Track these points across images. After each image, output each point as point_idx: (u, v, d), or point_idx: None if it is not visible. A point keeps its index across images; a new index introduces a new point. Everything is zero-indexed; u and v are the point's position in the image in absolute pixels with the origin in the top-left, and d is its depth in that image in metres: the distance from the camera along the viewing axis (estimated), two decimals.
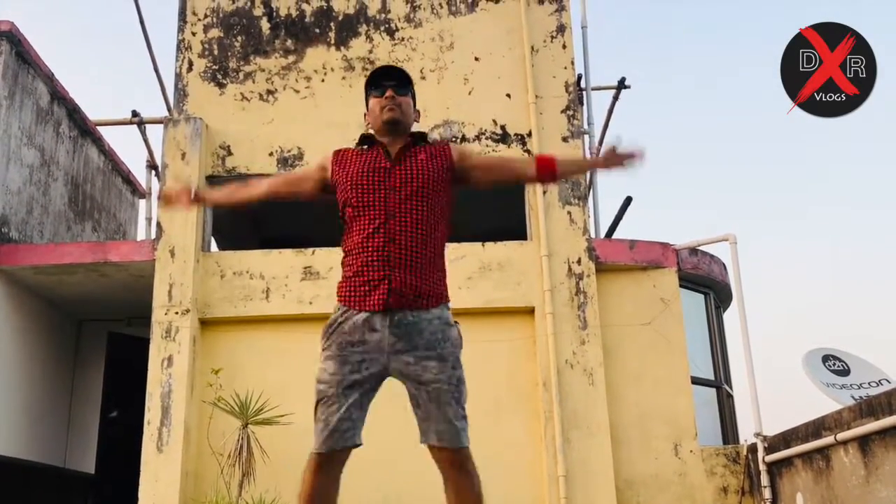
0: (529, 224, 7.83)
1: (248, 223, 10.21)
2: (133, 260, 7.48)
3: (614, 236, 8.78)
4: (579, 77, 8.92)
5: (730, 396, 8.38)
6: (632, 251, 7.78)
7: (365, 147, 2.92)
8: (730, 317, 8.85)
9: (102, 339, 9.42)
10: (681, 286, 7.87)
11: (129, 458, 7.30)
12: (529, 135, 8.00)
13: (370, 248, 2.71)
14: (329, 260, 7.54)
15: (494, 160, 3.09)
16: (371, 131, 3.00)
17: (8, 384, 7.66)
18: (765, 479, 6.85)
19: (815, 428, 5.98)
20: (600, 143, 9.58)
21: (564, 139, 8.02)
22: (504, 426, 7.24)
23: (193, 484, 6.95)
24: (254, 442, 6.73)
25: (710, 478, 7.25)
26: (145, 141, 9.39)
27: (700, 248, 8.07)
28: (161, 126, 9.31)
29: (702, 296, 8.36)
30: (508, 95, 8.18)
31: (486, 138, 8.01)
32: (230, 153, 7.92)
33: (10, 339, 7.68)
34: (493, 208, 8.36)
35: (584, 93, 9.17)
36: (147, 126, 9.20)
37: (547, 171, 3.00)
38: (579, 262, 7.59)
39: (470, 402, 7.42)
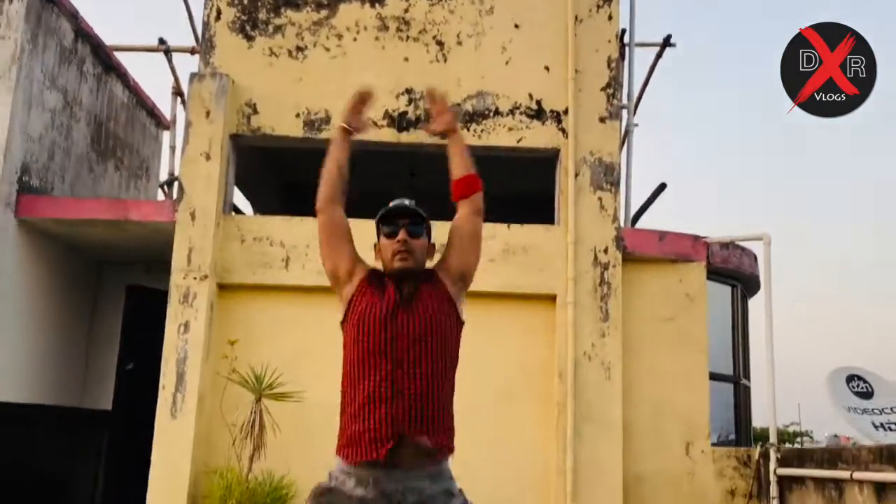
0: (558, 208, 7.61)
1: (270, 169, 10.05)
2: (153, 220, 7.38)
3: (643, 224, 8.55)
4: (623, 32, 8.50)
5: (747, 389, 8.30)
6: (661, 242, 7.57)
7: (378, 287, 2.69)
8: (754, 306, 8.69)
9: (122, 283, 9.42)
10: (708, 278, 7.68)
11: (146, 397, 7.32)
12: (566, 112, 7.69)
13: (376, 401, 2.51)
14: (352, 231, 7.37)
15: (453, 236, 2.79)
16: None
17: (28, 333, 7.70)
18: (774, 490, 6.82)
19: (832, 457, 5.90)
20: (638, 100, 9.22)
21: (602, 119, 7.70)
22: (516, 414, 7.21)
23: (206, 451, 7.02)
24: (266, 415, 6.76)
25: (718, 479, 7.24)
26: (172, 69, 9.18)
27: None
28: (187, 54, 9.19)
29: (729, 287, 8.18)
30: (547, 68, 7.82)
31: (521, 113, 7.70)
32: (256, 112, 7.68)
33: (31, 289, 7.67)
34: (523, 186, 8.15)
35: (626, 48, 8.77)
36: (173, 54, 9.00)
37: (464, 188, 2.80)
38: (606, 251, 7.40)
39: (484, 386, 7.37)
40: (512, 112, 7.70)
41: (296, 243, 7.39)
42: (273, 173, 10.19)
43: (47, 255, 7.93)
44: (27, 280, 7.61)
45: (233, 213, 7.82)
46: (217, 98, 7.50)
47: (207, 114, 7.49)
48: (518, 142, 7.67)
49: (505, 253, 7.40)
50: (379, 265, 2.77)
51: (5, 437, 7.85)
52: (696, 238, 7.66)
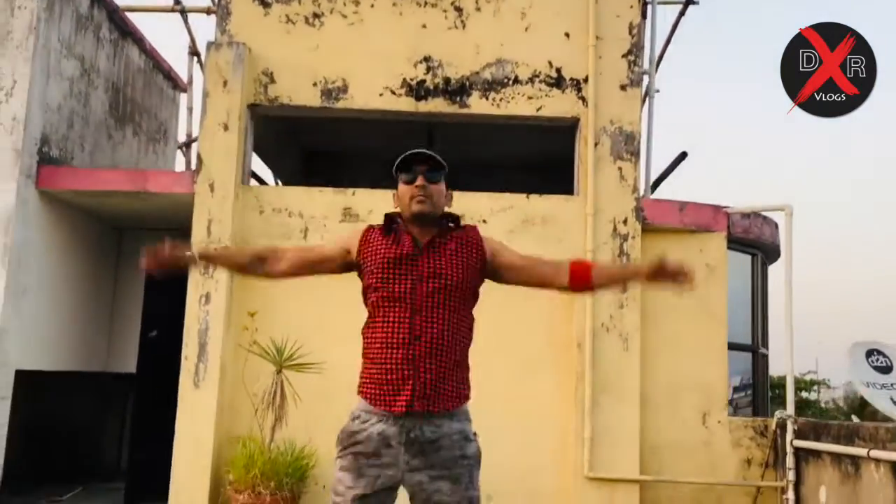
0: (577, 178, 7.55)
1: (289, 135, 10.02)
2: (172, 191, 7.40)
3: (661, 194, 8.47)
4: None
5: (765, 357, 8.31)
6: (681, 213, 7.51)
7: (391, 231, 2.77)
8: (774, 272, 8.64)
9: (142, 247, 9.50)
10: (728, 247, 7.64)
11: (168, 361, 7.45)
12: (586, 80, 7.57)
13: (395, 346, 2.63)
14: (369, 202, 7.39)
15: (526, 262, 2.84)
16: (398, 212, 2.86)
17: (56, 302, 7.82)
18: (790, 461, 6.87)
19: (849, 433, 5.92)
20: (658, 61, 9.06)
21: (623, 87, 7.59)
22: (536, 383, 7.26)
23: (229, 419, 7.15)
24: (287, 386, 6.86)
25: (735, 449, 7.29)
26: (188, 29, 9.12)
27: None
28: (203, 15, 9.11)
29: (749, 256, 8.13)
30: (567, 35, 7.68)
31: (540, 81, 7.60)
32: (273, 81, 7.62)
33: (55, 258, 7.76)
34: (542, 156, 8.07)
35: (648, 7, 8.59)
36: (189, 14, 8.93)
37: (581, 283, 2.84)
38: (625, 222, 7.35)
39: (505, 355, 7.42)
40: (531, 80, 7.60)
41: (314, 214, 7.40)
42: (291, 139, 10.16)
43: (68, 223, 8.00)
44: (51, 250, 7.69)
45: (251, 184, 7.81)
46: (234, 67, 7.45)
47: (224, 84, 7.45)
48: (537, 111, 7.58)
49: (524, 224, 7.38)
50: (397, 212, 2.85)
51: (41, 401, 8.12)
52: (716, 208, 7.59)
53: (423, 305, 2.63)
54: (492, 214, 7.37)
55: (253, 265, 2.90)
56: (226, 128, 7.38)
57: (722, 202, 7.67)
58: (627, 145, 7.49)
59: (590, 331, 7.17)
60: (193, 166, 7.98)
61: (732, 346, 7.67)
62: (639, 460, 7.06)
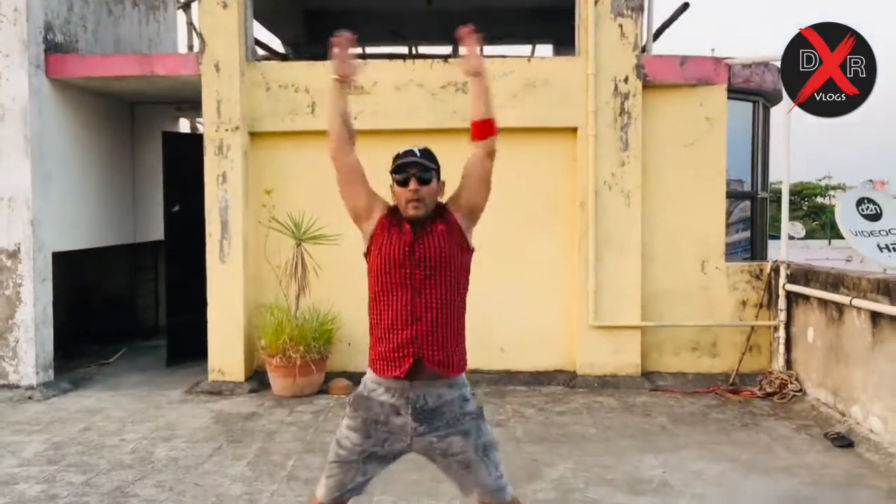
0: (578, 38, 7.56)
1: None
2: (179, 74, 7.52)
3: (661, 49, 8.43)
4: None
5: (764, 201, 8.59)
6: (682, 68, 7.57)
7: (392, 220, 3.01)
8: (776, 113, 8.75)
9: (154, 121, 9.73)
10: (729, 97, 7.75)
11: (192, 228, 7.93)
12: None
13: (398, 327, 2.93)
14: (373, 74, 7.49)
15: (466, 175, 3.03)
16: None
17: (81, 184, 8.13)
18: (782, 303, 7.33)
19: (835, 281, 6.30)
20: None
21: None
22: (542, 241, 7.64)
23: (256, 290, 7.64)
24: (307, 257, 7.29)
25: (731, 292, 7.73)
26: None
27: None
28: None
29: (750, 104, 8.23)
30: None
31: None
32: None
33: (72, 141, 7.99)
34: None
35: None
36: None
37: (477, 129, 2.99)
38: (626, 80, 7.44)
39: (512, 217, 7.78)
40: None
41: (321, 88, 7.52)
42: (291, 1, 10.05)
43: (82, 105, 8.17)
44: (68, 134, 7.92)
45: (256, 62, 7.86)
46: None
47: None
48: None
49: (527, 87, 7.49)
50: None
51: (79, 277, 8.61)
52: (717, 60, 7.63)
53: (422, 288, 2.92)
54: (494, 80, 7.44)
55: (348, 128, 2.99)
56: (224, 5, 7.39)
57: (724, 53, 7.70)
58: (628, 1, 7.44)
59: (592, 189, 7.45)
60: (196, 29, 7.99)
61: (732, 195, 7.97)
62: (640, 308, 7.54)
